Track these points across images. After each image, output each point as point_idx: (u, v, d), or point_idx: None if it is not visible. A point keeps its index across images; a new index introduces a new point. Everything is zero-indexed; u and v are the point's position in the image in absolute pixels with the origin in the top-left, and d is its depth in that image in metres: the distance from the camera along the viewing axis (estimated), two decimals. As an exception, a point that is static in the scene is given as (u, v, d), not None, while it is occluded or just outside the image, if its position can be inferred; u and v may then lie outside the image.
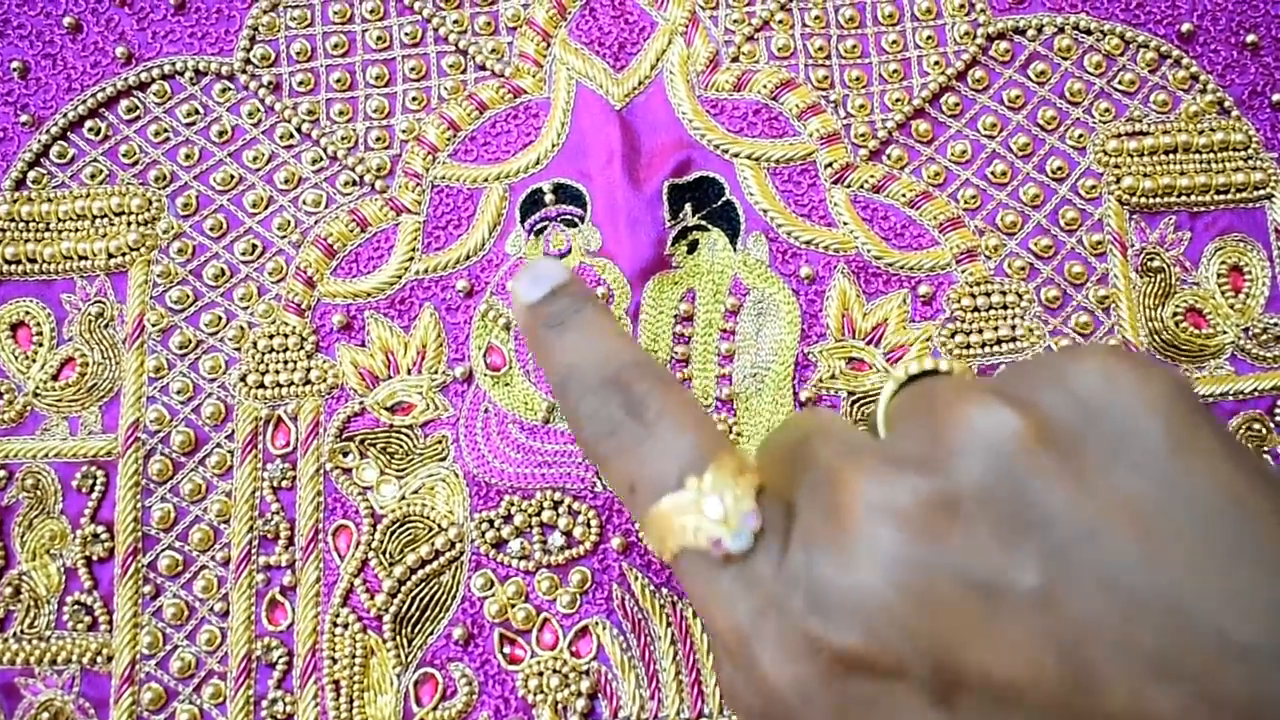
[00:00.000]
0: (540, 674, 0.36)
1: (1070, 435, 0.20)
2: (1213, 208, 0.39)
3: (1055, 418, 0.20)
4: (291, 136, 0.39)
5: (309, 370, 0.37)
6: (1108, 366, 0.20)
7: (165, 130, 0.39)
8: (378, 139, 0.39)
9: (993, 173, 0.39)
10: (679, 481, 0.23)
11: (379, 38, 0.40)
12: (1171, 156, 0.39)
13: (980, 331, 0.38)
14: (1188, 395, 0.20)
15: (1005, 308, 0.38)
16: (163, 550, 0.36)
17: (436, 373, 0.38)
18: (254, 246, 0.38)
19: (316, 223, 0.39)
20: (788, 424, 0.26)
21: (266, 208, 0.39)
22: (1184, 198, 0.39)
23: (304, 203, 0.39)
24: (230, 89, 0.40)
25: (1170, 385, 0.20)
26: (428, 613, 0.36)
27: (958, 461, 0.20)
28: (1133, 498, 0.19)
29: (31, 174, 0.39)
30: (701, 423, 0.24)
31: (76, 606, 0.36)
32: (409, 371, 0.38)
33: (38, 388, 0.38)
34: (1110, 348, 0.21)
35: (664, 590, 0.36)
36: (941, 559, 0.19)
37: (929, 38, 0.40)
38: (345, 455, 0.37)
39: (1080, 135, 0.40)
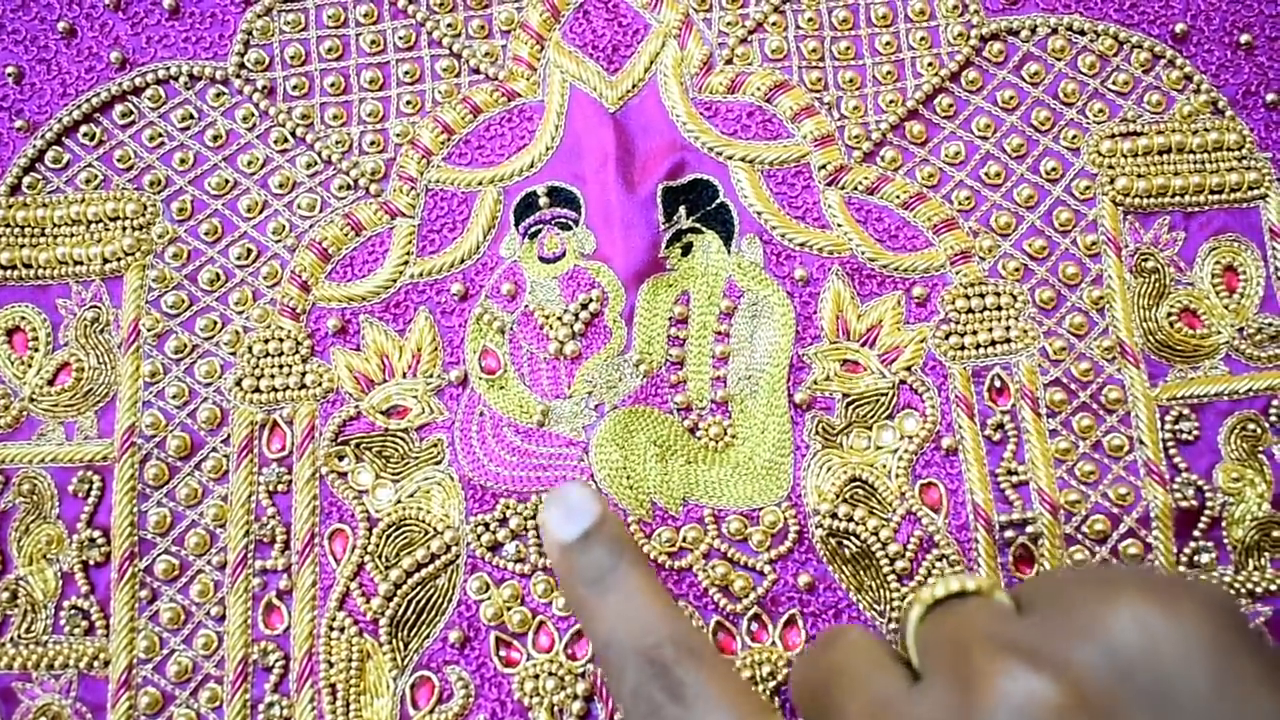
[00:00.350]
0: (536, 677, 0.36)
1: (1107, 696, 0.19)
2: (1207, 208, 0.39)
3: (1090, 679, 0.19)
4: (286, 141, 0.39)
5: (304, 374, 0.38)
6: (1140, 611, 0.19)
7: (160, 135, 0.39)
8: (372, 143, 0.39)
9: (987, 174, 0.39)
10: None
11: (373, 42, 0.40)
12: (1166, 157, 0.39)
13: (975, 333, 0.38)
14: (1228, 626, 0.19)
15: (1000, 309, 0.38)
16: (159, 555, 0.37)
17: (432, 376, 0.38)
18: (249, 251, 0.39)
19: (311, 227, 0.39)
20: (814, 658, 0.27)
21: (261, 212, 0.39)
22: (1178, 198, 0.39)
23: (299, 207, 0.39)
24: (225, 93, 0.40)
25: (1208, 620, 0.19)
26: (424, 616, 0.36)
27: None
28: None
29: (26, 179, 0.39)
30: (737, 697, 0.25)
31: (73, 611, 0.36)
32: (404, 375, 0.38)
33: (34, 393, 0.38)
34: (1141, 582, 0.20)
35: (659, 593, 0.36)
36: None
37: (922, 39, 0.40)
38: (341, 459, 0.37)
39: (1074, 136, 0.40)
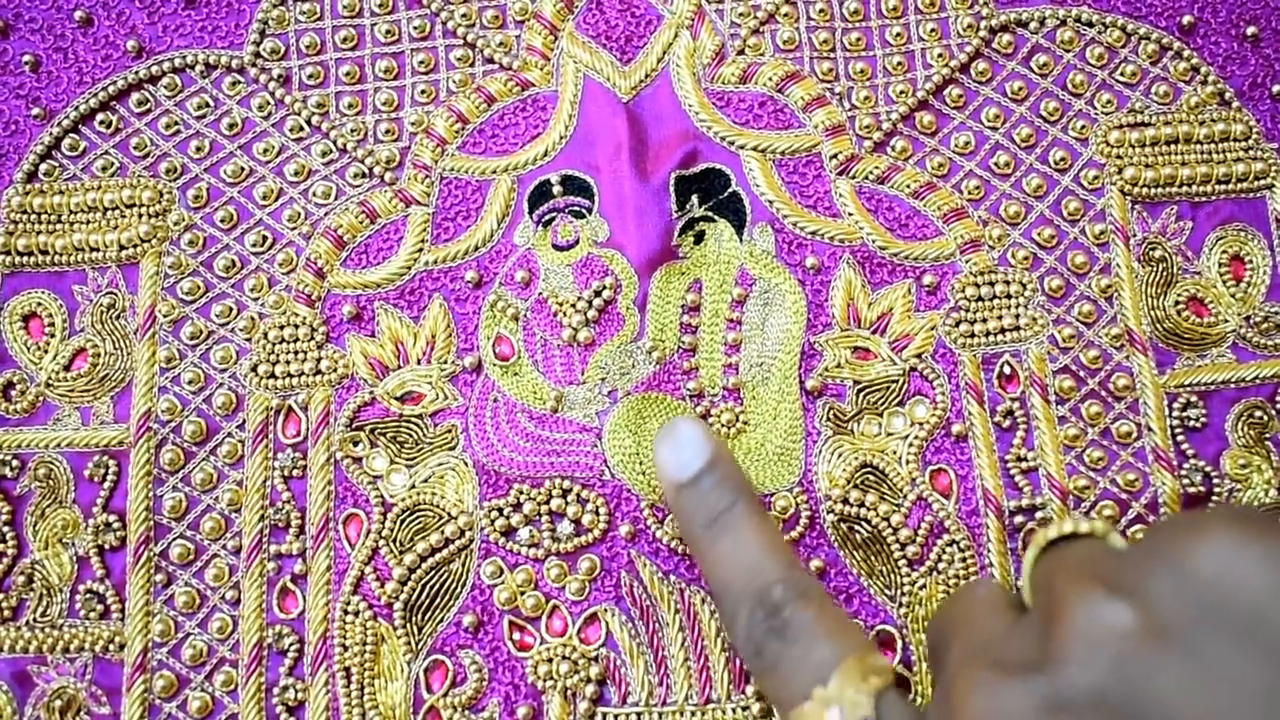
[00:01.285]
0: (550, 660, 0.36)
1: (1186, 624, 0.19)
2: (1214, 198, 0.40)
3: (1168, 606, 0.19)
4: (301, 129, 0.40)
5: (319, 360, 0.38)
6: (1228, 541, 0.19)
7: (176, 123, 0.40)
8: (387, 131, 0.40)
9: (996, 164, 0.40)
10: (806, 692, 0.25)
11: (387, 31, 0.40)
12: (1173, 147, 0.40)
13: (984, 320, 0.38)
14: None
15: (1009, 297, 0.38)
16: (174, 539, 0.37)
17: (446, 362, 0.38)
18: (264, 238, 0.39)
19: (326, 214, 0.39)
20: (940, 611, 0.28)
21: (277, 200, 0.39)
22: (1185, 188, 0.40)
23: (314, 195, 0.39)
24: (240, 82, 0.40)
25: None
26: (438, 600, 0.36)
27: (1069, 664, 0.19)
28: (1264, 686, 0.18)
29: (44, 167, 0.39)
30: (836, 633, 0.26)
31: (89, 595, 0.37)
32: (418, 361, 0.38)
33: (50, 378, 0.38)
34: (1234, 516, 0.20)
35: (672, 577, 0.36)
36: None
37: (932, 30, 0.40)
38: (355, 444, 0.37)
39: (1082, 126, 0.40)
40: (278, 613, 0.36)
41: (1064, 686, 0.19)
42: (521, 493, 0.37)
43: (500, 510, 0.37)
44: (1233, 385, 0.38)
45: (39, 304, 0.39)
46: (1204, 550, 0.20)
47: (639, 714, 0.35)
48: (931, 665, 0.26)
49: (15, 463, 0.37)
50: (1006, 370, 0.38)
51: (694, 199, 0.39)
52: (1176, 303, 0.39)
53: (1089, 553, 0.23)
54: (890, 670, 0.25)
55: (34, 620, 0.37)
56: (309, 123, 0.39)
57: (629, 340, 0.38)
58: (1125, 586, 0.20)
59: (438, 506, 0.37)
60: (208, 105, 0.40)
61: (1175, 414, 0.38)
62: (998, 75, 0.40)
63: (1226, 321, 0.39)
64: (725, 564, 0.29)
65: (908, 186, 0.39)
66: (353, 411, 0.37)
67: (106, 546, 0.37)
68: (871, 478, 0.37)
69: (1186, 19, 0.41)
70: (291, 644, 0.36)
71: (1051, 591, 0.22)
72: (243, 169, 0.39)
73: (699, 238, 0.39)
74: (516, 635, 0.36)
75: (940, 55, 0.40)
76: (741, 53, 0.40)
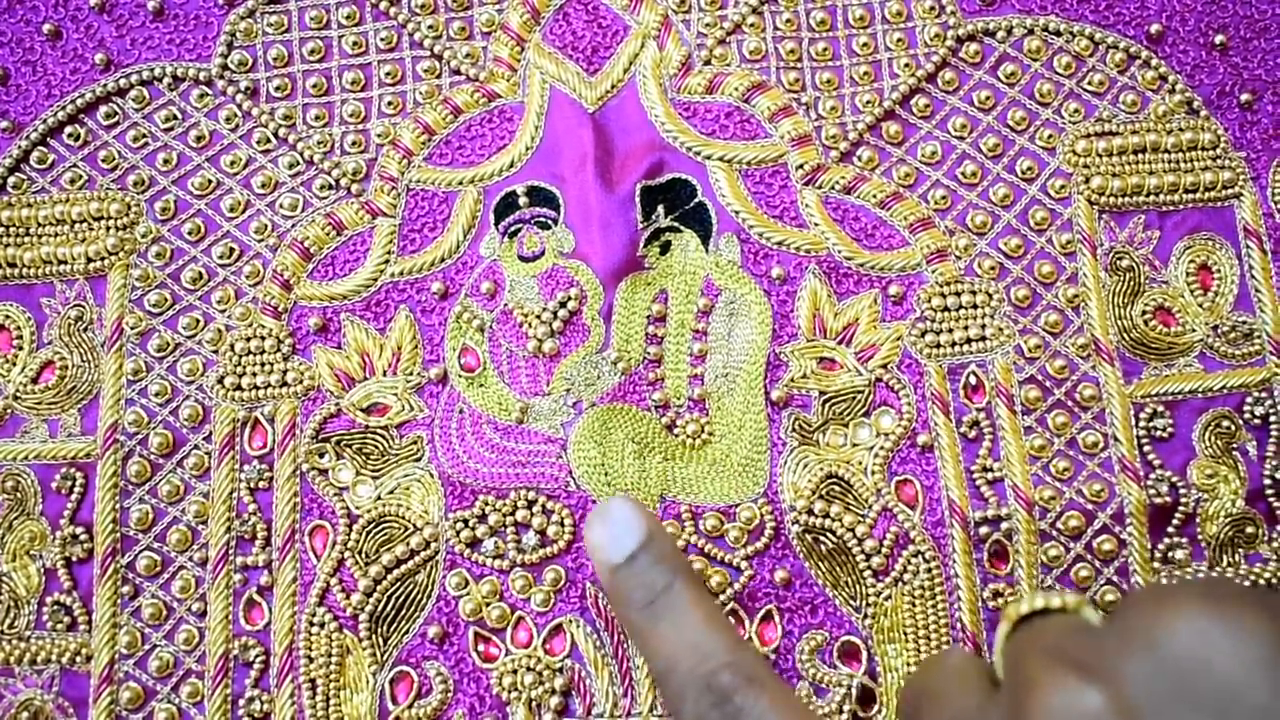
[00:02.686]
0: (515, 672, 0.36)
1: (1159, 707, 0.19)
2: (1181, 207, 0.40)
3: (1140, 689, 0.19)
4: (268, 141, 0.40)
5: (286, 372, 0.38)
6: (1198, 620, 0.19)
7: (144, 136, 0.40)
8: (354, 143, 0.40)
9: (963, 173, 0.40)
10: None
11: (355, 43, 0.40)
12: (1140, 156, 0.40)
13: (950, 331, 0.38)
14: None
15: (975, 307, 0.38)
16: (141, 551, 0.37)
17: (412, 374, 0.38)
18: (232, 250, 0.39)
19: (293, 226, 0.39)
20: (912, 679, 0.28)
21: (244, 212, 0.39)
22: (1153, 197, 0.40)
23: (281, 207, 0.39)
24: (208, 94, 0.40)
25: (1270, 630, 0.19)
26: (403, 611, 0.36)
27: None
28: None
29: (11, 179, 0.39)
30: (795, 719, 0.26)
31: (56, 607, 0.37)
32: (384, 373, 0.38)
33: (17, 391, 0.38)
34: (1205, 592, 0.20)
35: (636, 588, 0.36)
36: None
37: (899, 40, 0.40)
38: (321, 456, 0.37)
39: (1050, 136, 0.40)
40: (244, 624, 0.37)
41: None
42: (487, 504, 0.37)
43: (466, 521, 0.37)
44: (1200, 395, 0.38)
45: (7, 316, 0.39)
46: (1175, 630, 0.19)
47: (603, 725, 0.35)
48: None
49: (-18, 475, 0.38)
50: (972, 380, 0.38)
51: (660, 209, 0.39)
52: (1144, 312, 0.39)
53: (1061, 630, 0.23)
54: None
55: (1, 632, 0.37)
56: (276, 135, 0.40)
57: (594, 351, 0.38)
58: (1095, 669, 0.20)
59: (403, 518, 0.37)
60: (175, 118, 0.40)
61: (1142, 424, 0.38)
62: (965, 85, 0.40)
63: (1194, 331, 0.39)
64: (668, 646, 0.28)
65: (874, 196, 0.39)
66: (319, 423, 0.38)
67: (74, 558, 0.37)
68: (837, 488, 0.37)
69: (1154, 28, 0.41)
70: (257, 656, 0.36)
71: (1022, 673, 0.21)
72: (210, 181, 0.39)
73: (665, 248, 0.39)
74: (481, 646, 0.36)
75: (907, 65, 0.40)
76: (708, 63, 0.40)
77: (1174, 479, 0.38)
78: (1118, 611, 0.22)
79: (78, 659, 0.36)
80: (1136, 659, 0.19)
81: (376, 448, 0.38)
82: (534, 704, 0.36)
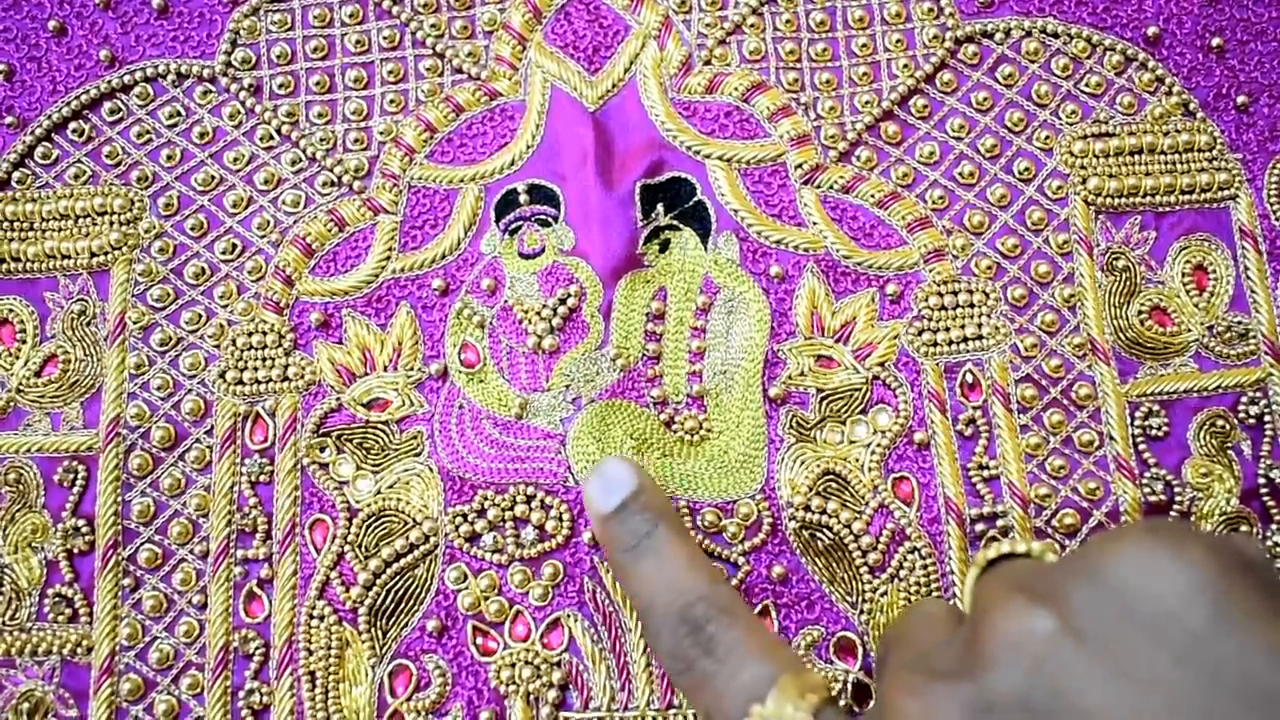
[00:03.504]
0: (513, 665, 0.36)
1: (1103, 629, 0.20)
2: (1178, 208, 0.40)
3: (1086, 612, 0.20)
4: (271, 138, 0.40)
5: (287, 367, 0.38)
6: (1142, 550, 0.20)
7: (147, 132, 0.40)
8: (356, 140, 0.40)
9: (960, 173, 0.40)
10: (744, 710, 0.25)
11: (358, 41, 0.41)
12: (1137, 158, 0.40)
13: (947, 330, 0.38)
14: (1232, 567, 0.19)
15: (972, 306, 0.39)
16: (142, 544, 0.37)
17: (412, 369, 0.38)
18: (234, 246, 0.39)
19: (295, 222, 0.39)
20: (892, 623, 0.30)
21: (246, 208, 0.39)
22: (1149, 198, 0.40)
23: (283, 203, 0.39)
24: (211, 91, 0.40)
25: (1212, 560, 0.19)
26: (402, 605, 0.37)
27: (992, 668, 0.20)
28: (1176, 686, 0.18)
29: (16, 175, 0.40)
30: (768, 651, 0.27)
31: (57, 599, 0.37)
32: (385, 368, 0.38)
33: (21, 384, 0.38)
34: (1148, 528, 0.21)
35: (634, 583, 0.37)
36: None
37: (898, 41, 0.41)
38: (322, 450, 0.38)
39: (1047, 137, 0.40)
40: (244, 617, 0.37)
41: (989, 690, 0.20)
42: (486, 499, 0.37)
43: (465, 516, 0.37)
44: (1195, 394, 0.39)
45: (10, 310, 0.39)
46: (1121, 559, 0.20)
47: (601, 719, 0.35)
48: (876, 675, 0.26)
49: (-15, 467, 0.38)
50: (969, 379, 0.38)
51: (659, 208, 0.39)
52: (1139, 312, 0.39)
53: (1020, 569, 0.24)
54: (825, 686, 0.26)
55: (3, 624, 0.37)
56: (279, 132, 0.40)
57: (593, 348, 0.38)
58: (1046, 595, 0.21)
59: (403, 512, 0.37)
60: (179, 114, 0.40)
61: (1137, 423, 0.38)
62: (963, 86, 0.41)
63: (1189, 331, 0.39)
64: (648, 585, 0.30)
65: (872, 196, 0.40)
66: (320, 418, 0.38)
67: (75, 551, 0.37)
68: (834, 485, 0.37)
69: (1152, 30, 0.41)
70: (257, 648, 0.36)
71: (980, 604, 0.23)
72: (213, 177, 0.40)
73: (664, 246, 0.39)
74: (480, 640, 0.37)
75: (906, 66, 0.41)
76: (708, 63, 0.41)
77: (1169, 477, 0.38)
78: (1072, 551, 0.23)
79: (79, 650, 0.36)
80: (1084, 585, 0.21)
81: (377, 442, 0.38)
82: (532, 697, 0.36)
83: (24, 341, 0.39)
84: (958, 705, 0.20)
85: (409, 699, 0.36)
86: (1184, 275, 0.40)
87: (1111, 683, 0.19)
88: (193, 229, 0.39)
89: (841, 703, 0.35)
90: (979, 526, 0.37)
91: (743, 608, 0.28)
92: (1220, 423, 0.38)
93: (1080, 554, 0.22)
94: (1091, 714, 0.19)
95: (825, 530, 0.37)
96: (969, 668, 0.21)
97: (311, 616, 0.36)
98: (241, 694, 0.36)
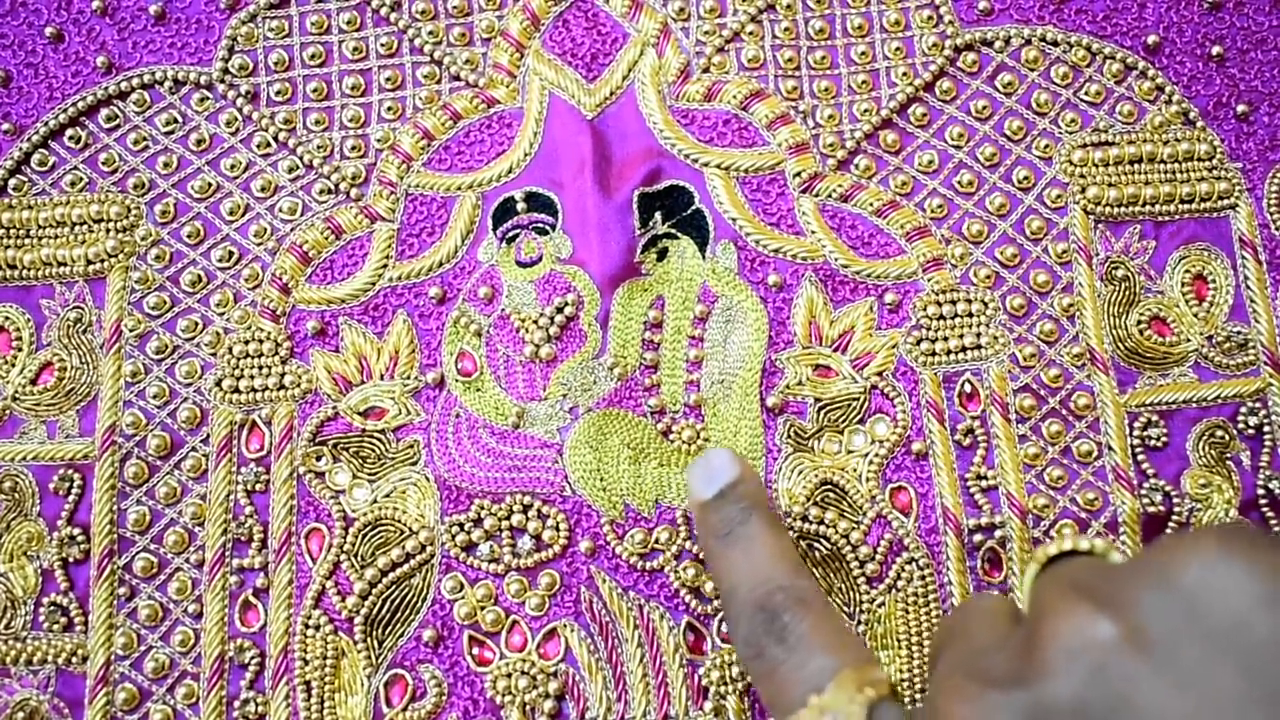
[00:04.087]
0: (509, 675, 0.36)
1: (1170, 637, 0.19)
2: (1177, 217, 0.40)
3: (1153, 619, 0.19)
4: (268, 145, 0.40)
5: (283, 375, 0.38)
6: (1214, 556, 0.19)
7: (144, 139, 0.40)
8: (353, 148, 0.40)
9: (959, 182, 0.40)
10: (803, 700, 0.25)
11: (355, 48, 0.40)
12: (1137, 166, 0.40)
13: (946, 339, 0.38)
14: None
15: (971, 315, 0.39)
16: (138, 552, 0.37)
17: (409, 378, 0.38)
18: (231, 253, 0.39)
19: (292, 230, 0.39)
20: (943, 622, 0.29)
21: (243, 215, 0.39)
22: (1149, 207, 0.40)
23: (280, 210, 0.39)
24: (209, 98, 0.40)
25: None
26: (398, 615, 0.37)
27: (1050, 675, 0.20)
28: (1241, 700, 0.18)
29: (13, 181, 0.40)
30: (835, 644, 0.27)
31: (52, 607, 0.37)
32: (382, 377, 0.38)
33: (16, 392, 0.38)
34: (1222, 532, 0.20)
35: (631, 593, 0.36)
36: None
37: (897, 49, 0.41)
38: (318, 459, 0.38)
39: (1046, 145, 0.40)
40: (239, 626, 0.37)
41: (1045, 698, 0.20)
42: (482, 508, 0.37)
43: (461, 525, 0.37)
44: (1194, 405, 0.38)
45: (6, 318, 0.39)
46: (1189, 565, 0.20)
47: (597, 730, 0.35)
48: (929, 671, 0.26)
49: (-19, 476, 0.38)
50: (967, 389, 0.38)
51: (657, 216, 0.39)
52: (1138, 322, 0.39)
53: (1083, 568, 0.23)
54: (887, 683, 0.26)
55: (-2, 632, 0.37)
56: (276, 139, 0.40)
57: (591, 356, 0.38)
58: (1108, 600, 0.20)
59: (399, 521, 0.37)
60: (176, 121, 0.40)
61: (1136, 433, 0.38)
62: (962, 94, 0.41)
63: (1188, 341, 0.39)
64: (734, 571, 0.30)
65: (871, 205, 0.39)
66: (316, 426, 0.38)
67: (70, 560, 0.37)
68: (831, 495, 0.37)
69: (1152, 39, 0.41)
70: (252, 658, 0.36)
71: (1039, 604, 0.22)
72: (210, 185, 0.39)
73: (662, 254, 0.39)
74: (476, 650, 0.36)
75: (905, 74, 0.40)
76: (706, 71, 0.40)
77: (1168, 488, 0.38)
78: (1140, 553, 0.22)
79: (74, 659, 0.36)
80: (1150, 591, 0.20)
81: (373, 451, 0.38)
82: (528, 708, 0.36)
83: (20, 349, 0.39)
84: (1011, 713, 0.20)
85: (405, 709, 0.36)
86: (1183, 285, 0.40)
87: (1174, 694, 0.18)
88: (189, 236, 0.39)
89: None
90: (977, 537, 0.37)
91: (820, 601, 0.29)
92: (1219, 433, 0.38)
93: (1147, 557, 0.21)
94: None
95: (823, 540, 0.37)
96: (1025, 674, 0.21)
97: (307, 626, 0.36)
98: (237, 704, 0.36)
